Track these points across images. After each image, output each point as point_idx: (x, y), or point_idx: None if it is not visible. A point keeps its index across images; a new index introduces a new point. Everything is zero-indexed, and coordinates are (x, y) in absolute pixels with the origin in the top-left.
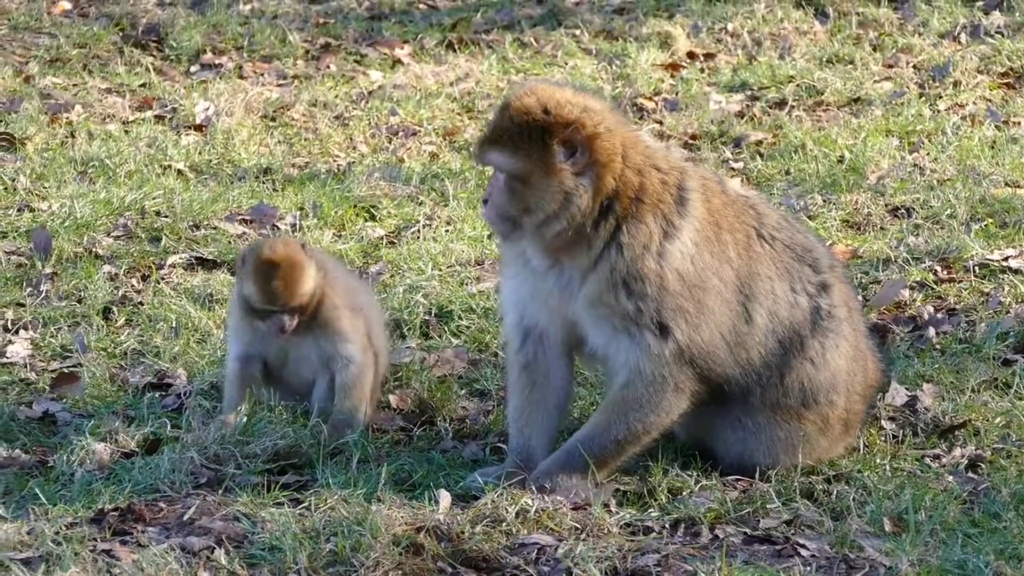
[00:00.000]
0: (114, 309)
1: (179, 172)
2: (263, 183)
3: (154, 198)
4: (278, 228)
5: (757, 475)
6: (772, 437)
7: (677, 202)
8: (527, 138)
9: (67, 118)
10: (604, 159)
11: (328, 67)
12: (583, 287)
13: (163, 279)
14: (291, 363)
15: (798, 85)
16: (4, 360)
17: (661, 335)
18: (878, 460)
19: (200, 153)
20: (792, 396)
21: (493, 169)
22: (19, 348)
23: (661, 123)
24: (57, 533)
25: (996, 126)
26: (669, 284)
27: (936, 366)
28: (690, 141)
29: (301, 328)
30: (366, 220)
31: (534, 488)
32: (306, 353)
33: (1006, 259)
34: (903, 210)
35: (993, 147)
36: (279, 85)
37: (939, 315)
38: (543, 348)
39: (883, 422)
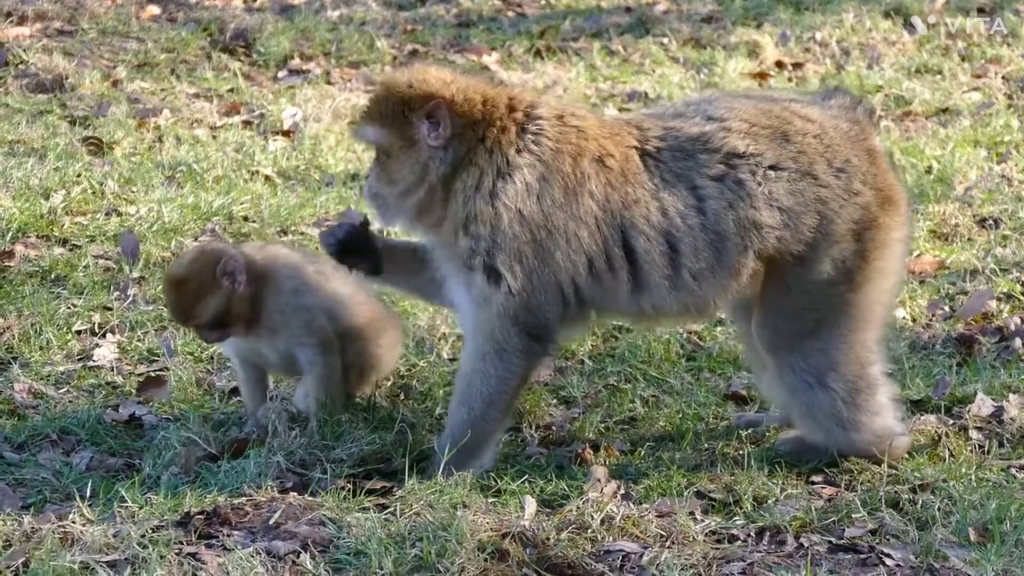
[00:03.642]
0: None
1: (266, 177)
2: (351, 189)
3: (241, 203)
4: None
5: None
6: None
7: (518, 137)
8: (391, 111)
9: (155, 123)
10: (464, 128)
11: None
12: (436, 247)
13: None
14: (270, 363)
15: (886, 95)
16: (91, 363)
17: (487, 279)
18: (963, 470)
19: (288, 159)
20: (833, 243)
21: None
22: (106, 352)
23: None
24: (143, 536)
25: None
26: (504, 224)
27: (1022, 377)
28: None
29: (242, 333)
30: None
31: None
32: (273, 356)
33: None
34: (991, 221)
35: None
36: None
37: None
38: None
39: (970, 432)
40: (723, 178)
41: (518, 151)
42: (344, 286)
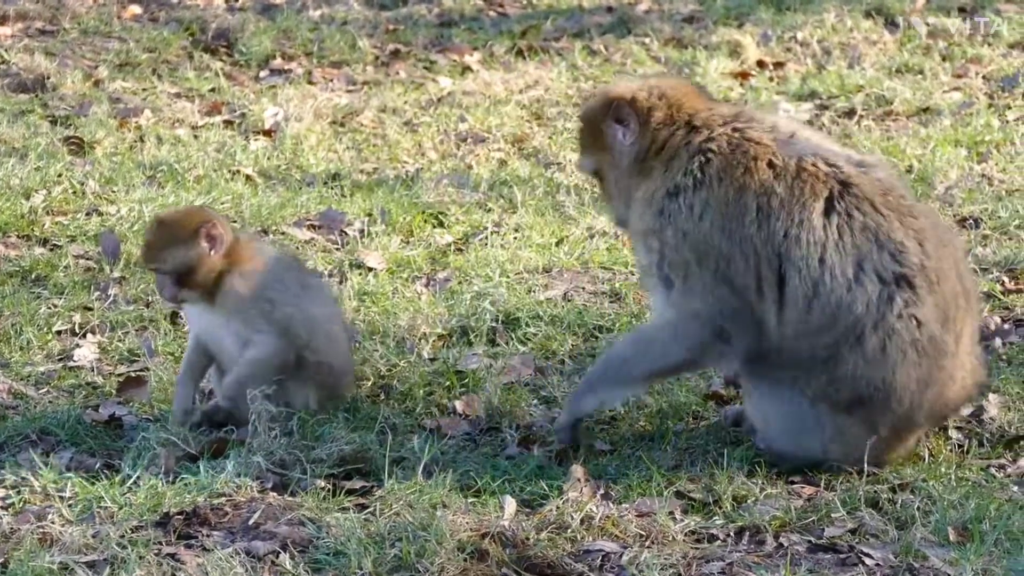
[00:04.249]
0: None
1: (247, 177)
2: (331, 189)
3: (222, 203)
4: (346, 234)
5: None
6: (815, 424)
7: (689, 161)
8: (589, 134)
9: (136, 122)
10: (646, 120)
11: (397, 73)
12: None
13: None
14: (224, 350)
15: (867, 94)
16: (71, 364)
17: (666, 287)
18: (943, 470)
19: (269, 158)
20: (841, 390)
21: None
22: (86, 352)
23: None
24: (122, 536)
25: None
26: (669, 239)
27: (1002, 376)
28: None
29: (198, 301)
30: (434, 227)
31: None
32: (228, 339)
33: None
34: (971, 220)
35: None
36: (348, 91)
37: (1006, 326)
38: None
39: (949, 432)
40: (886, 284)
41: (685, 174)
42: (321, 305)
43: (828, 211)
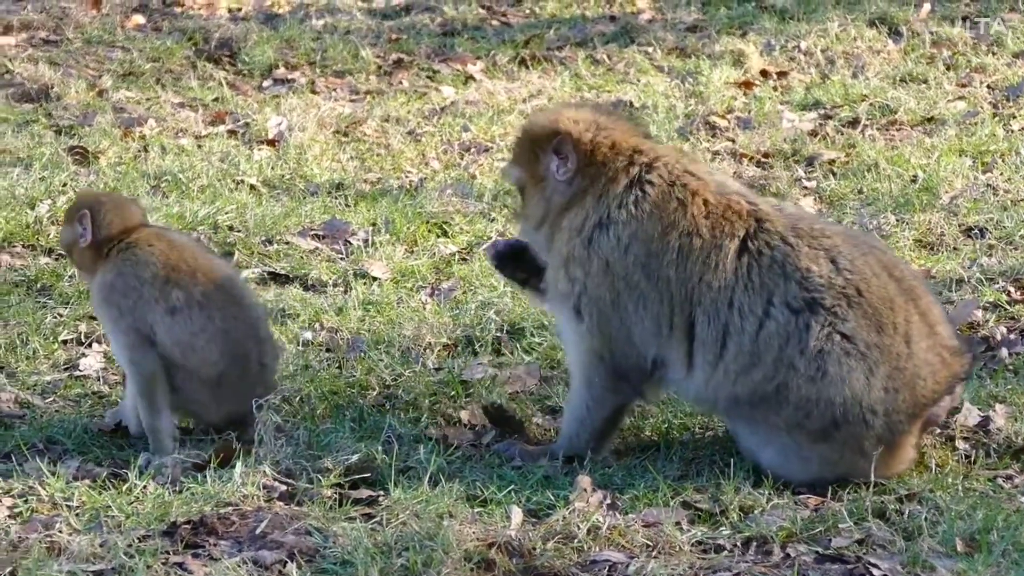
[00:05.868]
0: None
1: (252, 187)
2: (335, 198)
3: (227, 213)
4: (350, 243)
5: (822, 492)
6: (800, 455)
7: (625, 192)
8: (525, 151)
9: (140, 132)
10: (586, 166)
11: (401, 83)
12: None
13: None
14: None
15: (871, 104)
16: (78, 373)
17: (577, 320)
18: (950, 480)
19: (273, 168)
20: (810, 416)
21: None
22: (92, 361)
23: (734, 141)
24: (130, 546)
25: None
26: (594, 270)
27: (1009, 387)
28: (763, 159)
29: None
30: (438, 236)
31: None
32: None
33: None
34: (976, 230)
35: None
36: (352, 100)
37: (1012, 336)
38: None
39: (956, 442)
40: (798, 312)
41: (620, 206)
42: (203, 319)
43: (741, 252)
